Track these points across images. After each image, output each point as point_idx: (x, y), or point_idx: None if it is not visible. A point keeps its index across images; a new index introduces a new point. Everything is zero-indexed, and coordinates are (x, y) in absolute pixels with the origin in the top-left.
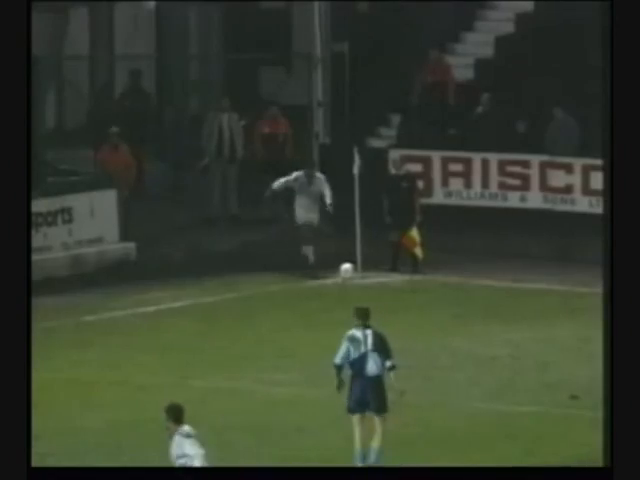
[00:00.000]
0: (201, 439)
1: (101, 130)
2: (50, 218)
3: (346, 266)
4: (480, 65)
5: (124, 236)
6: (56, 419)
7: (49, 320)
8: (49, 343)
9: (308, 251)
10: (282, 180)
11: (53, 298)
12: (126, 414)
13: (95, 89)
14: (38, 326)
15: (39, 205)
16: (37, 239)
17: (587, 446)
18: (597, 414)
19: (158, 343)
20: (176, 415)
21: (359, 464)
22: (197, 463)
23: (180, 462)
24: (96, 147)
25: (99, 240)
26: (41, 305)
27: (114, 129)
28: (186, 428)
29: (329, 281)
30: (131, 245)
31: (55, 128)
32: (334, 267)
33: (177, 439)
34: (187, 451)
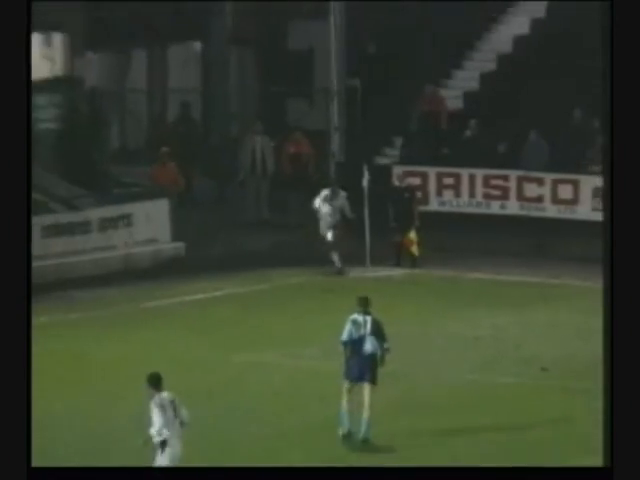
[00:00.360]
0: (238, 405)
1: (156, 150)
2: (114, 222)
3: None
4: (467, 97)
5: (175, 237)
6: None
7: (113, 307)
8: (114, 326)
9: (334, 256)
10: (317, 198)
11: (116, 289)
12: (179, 386)
13: (151, 117)
14: (103, 312)
15: (105, 211)
16: (103, 239)
17: (557, 408)
18: (565, 383)
19: (203, 325)
20: (154, 382)
21: (341, 428)
22: (164, 432)
23: (150, 430)
24: (151, 164)
25: (154, 241)
26: (106, 294)
27: (164, 149)
28: (164, 395)
29: (344, 275)
30: (181, 245)
31: (119, 148)
32: (348, 264)
33: (151, 406)
34: (154, 418)
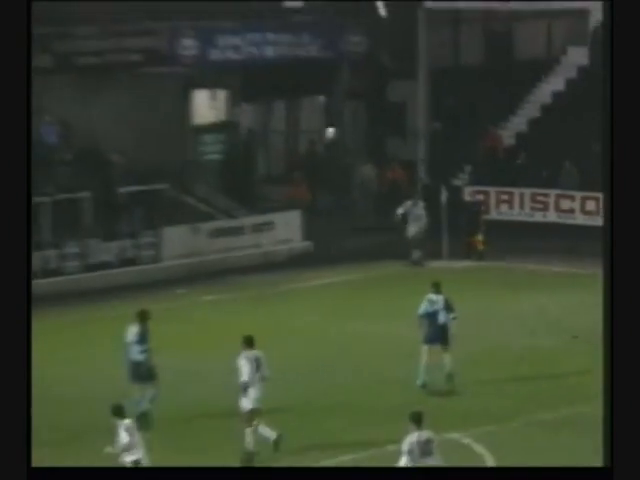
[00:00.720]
0: (351, 361)
1: (291, 175)
2: (261, 227)
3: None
4: (519, 136)
5: (305, 238)
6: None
7: (259, 289)
8: (260, 303)
9: (417, 254)
10: (401, 207)
11: (261, 275)
12: (307, 352)
13: (288, 151)
14: (253, 293)
15: (255, 219)
16: (253, 240)
17: (583, 364)
18: (589, 347)
19: (323, 304)
20: (247, 342)
21: (419, 382)
22: (248, 379)
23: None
24: (288, 185)
25: (289, 240)
26: (254, 280)
27: (297, 174)
28: (252, 352)
29: (424, 266)
30: (309, 243)
31: (265, 174)
32: (429, 258)
33: (241, 359)
34: (242, 369)
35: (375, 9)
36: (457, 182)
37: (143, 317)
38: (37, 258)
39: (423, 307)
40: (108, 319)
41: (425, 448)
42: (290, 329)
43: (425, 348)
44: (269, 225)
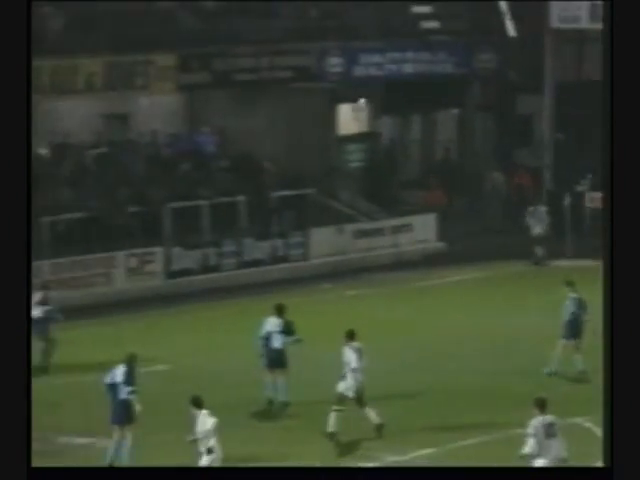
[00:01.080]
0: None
1: (427, 180)
2: (399, 229)
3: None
4: None
5: (439, 239)
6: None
7: (396, 285)
8: (398, 297)
9: (539, 251)
10: (527, 210)
11: (399, 273)
12: (441, 341)
13: (424, 158)
14: (389, 290)
15: (394, 222)
16: (391, 240)
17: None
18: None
19: (455, 299)
20: (350, 335)
21: (547, 370)
22: (354, 365)
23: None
24: (424, 189)
25: (425, 241)
26: (392, 277)
27: (433, 179)
28: (354, 344)
29: (547, 265)
30: (443, 244)
31: (404, 180)
32: (553, 257)
33: (346, 350)
34: (349, 358)
35: (504, 29)
36: (579, 188)
37: (281, 310)
38: (198, 255)
39: (566, 306)
40: (257, 311)
41: (549, 431)
42: (425, 321)
43: (562, 342)
44: (407, 227)
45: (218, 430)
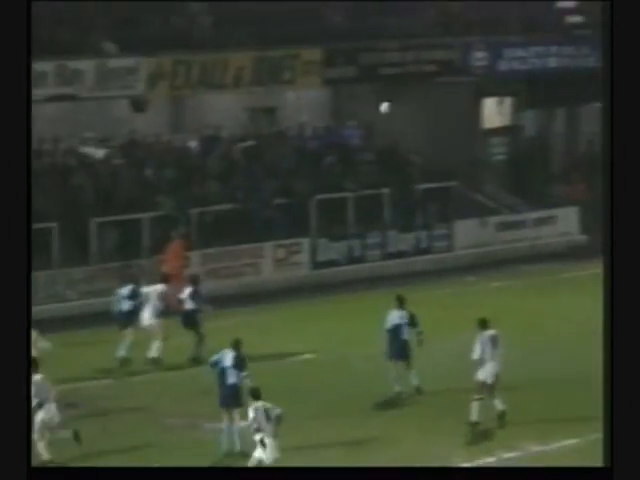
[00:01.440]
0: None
1: (571, 175)
2: (543, 221)
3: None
4: None
5: (582, 231)
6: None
7: (540, 276)
8: (540, 291)
9: None
10: None
11: (540, 265)
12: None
13: (569, 151)
14: (533, 281)
15: (537, 214)
16: (533, 232)
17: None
18: None
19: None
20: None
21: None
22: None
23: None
24: (567, 184)
25: (567, 233)
26: (535, 269)
27: (576, 174)
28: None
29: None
30: (584, 237)
31: (547, 172)
32: None
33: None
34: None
35: None
36: None
37: (402, 302)
38: (343, 247)
39: None
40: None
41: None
42: (565, 312)
43: None
44: (552, 219)
45: (281, 421)
